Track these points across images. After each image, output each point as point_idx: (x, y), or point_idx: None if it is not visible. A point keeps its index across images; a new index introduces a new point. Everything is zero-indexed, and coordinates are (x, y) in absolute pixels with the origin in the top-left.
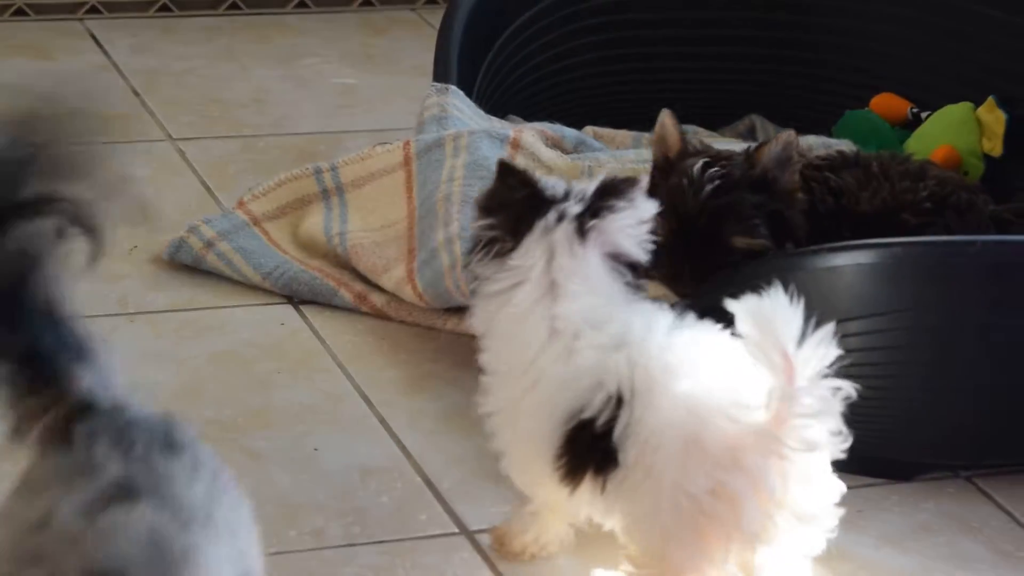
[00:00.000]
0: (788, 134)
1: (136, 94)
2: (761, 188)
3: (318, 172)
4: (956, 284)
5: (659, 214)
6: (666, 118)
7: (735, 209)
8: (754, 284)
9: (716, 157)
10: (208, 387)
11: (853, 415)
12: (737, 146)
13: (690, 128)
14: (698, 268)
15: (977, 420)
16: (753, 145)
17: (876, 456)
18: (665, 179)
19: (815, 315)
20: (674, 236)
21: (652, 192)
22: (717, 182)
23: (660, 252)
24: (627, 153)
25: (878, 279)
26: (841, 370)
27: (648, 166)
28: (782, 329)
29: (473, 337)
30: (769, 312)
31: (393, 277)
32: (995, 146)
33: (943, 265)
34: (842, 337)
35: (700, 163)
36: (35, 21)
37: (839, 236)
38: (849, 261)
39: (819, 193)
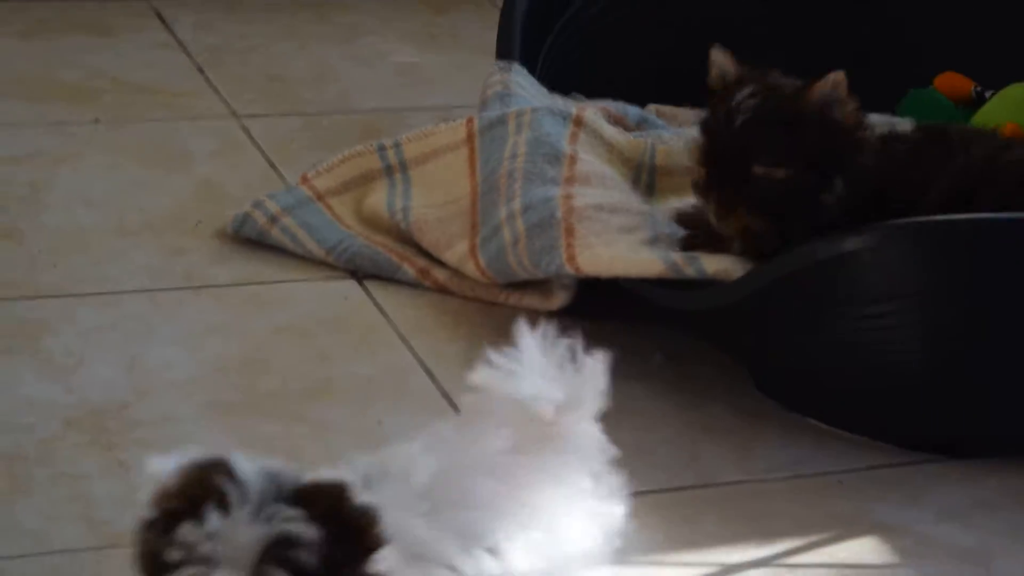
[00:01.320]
0: (838, 74)
1: (200, 71)
2: (809, 124)
3: (381, 148)
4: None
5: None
6: (716, 54)
7: (761, 138)
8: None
9: (765, 88)
10: (272, 360)
11: (914, 389)
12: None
13: None
14: (726, 195)
15: None
16: (805, 83)
17: (937, 432)
18: (711, 103)
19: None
20: (707, 163)
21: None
22: (750, 113)
23: (697, 179)
24: (689, 131)
25: (939, 257)
26: (903, 346)
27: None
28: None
29: (533, 312)
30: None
31: (456, 252)
32: None
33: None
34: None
35: (744, 93)
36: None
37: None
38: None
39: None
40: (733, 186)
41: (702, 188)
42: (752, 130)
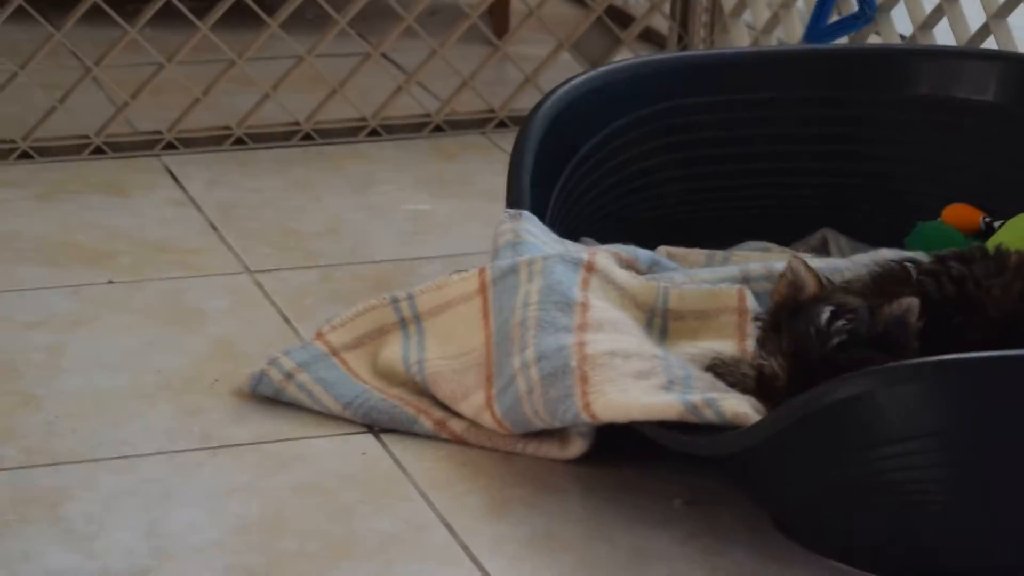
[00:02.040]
0: (911, 301)
1: (214, 228)
2: (882, 345)
3: (395, 301)
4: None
5: (781, 354)
6: (796, 263)
7: (857, 366)
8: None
9: (840, 306)
10: (291, 519)
11: (937, 528)
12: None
13: (762, 244)
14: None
15: None
16: (875, 302)
17: (964, 570)
18: (792, 320)
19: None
20: (792, 380)
21: (773, 329)
22: (844, 336)
23: (775, 391)
24: (701, 272)
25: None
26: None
27: (726, 286)
28: None
29: (553, 461)
30: None
31: (472, 404)
32: None
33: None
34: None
35: (827, 312)
36: (112, 159)
37: (959, 334)
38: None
39: (942, 282)
40: None
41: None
42: (847, 356)
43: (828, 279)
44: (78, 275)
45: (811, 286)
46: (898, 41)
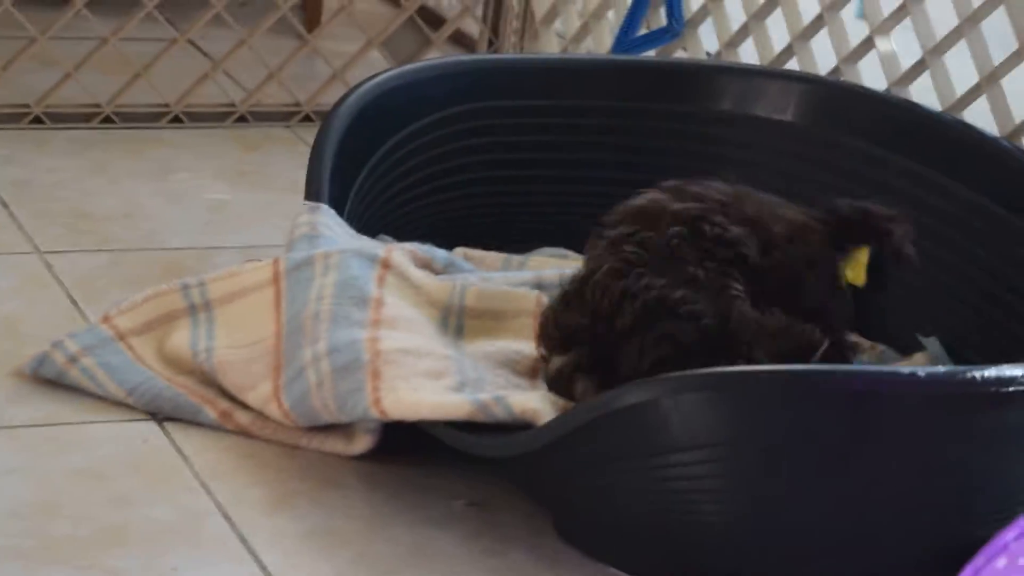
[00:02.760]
0: None
1: (4, 206)
2: None
3: (186, 288)
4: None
5: None
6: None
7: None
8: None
9: None
10: (66, 504)
11: (711, 541)
12: None
13: (560, 251)
14: None
15: (836, 552)
16: None
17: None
18: None
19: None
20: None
21: None
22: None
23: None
24: (495, 276)
25: (732, 407)
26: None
27: (524, 290)
28: None
29: (338, 457)
30: None
31: (259, 394)
32: (858, 275)
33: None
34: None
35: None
36: None
37: None
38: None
39: None
40: None
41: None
42: None
43: None
44: None
45: None
46: (704, 57)
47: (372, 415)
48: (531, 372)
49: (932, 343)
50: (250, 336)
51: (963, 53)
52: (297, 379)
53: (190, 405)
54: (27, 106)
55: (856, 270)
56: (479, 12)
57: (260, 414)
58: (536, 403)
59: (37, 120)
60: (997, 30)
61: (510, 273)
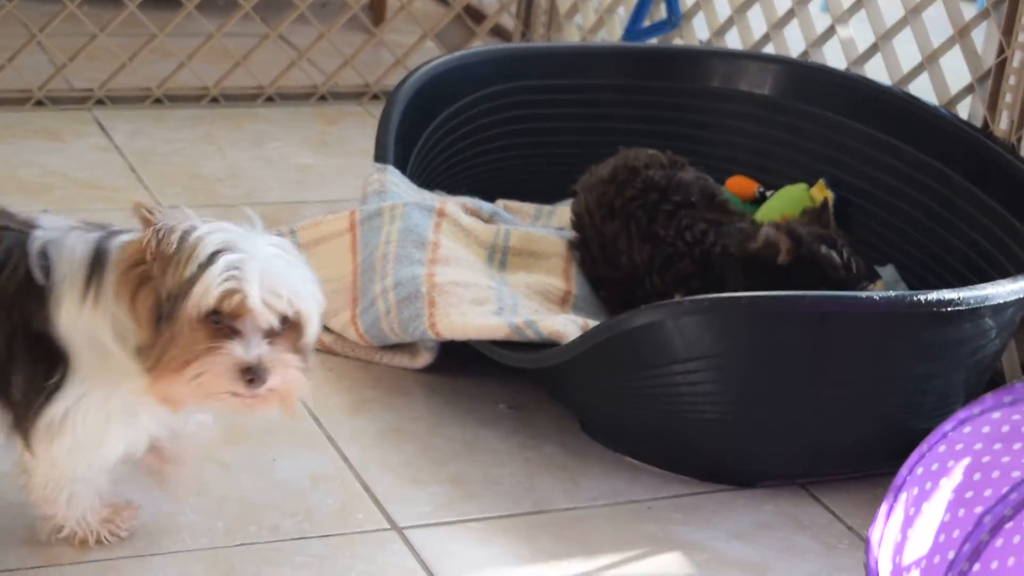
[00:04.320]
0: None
1: (133, 170)
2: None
3: (279, 235)
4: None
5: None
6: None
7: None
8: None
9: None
10: None
11: (708, 433)
12: None
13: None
14: None
15: (809, 440)
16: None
17: (726, 467)
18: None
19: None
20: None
21: None
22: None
23: None
24: (530, 227)
25: (725, 326)
26: (700, 399)
27: (547, 232)
28: None
29: (403, 370)
30: None
31: (340, 320)
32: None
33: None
34: (694, 372)
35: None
36: (50, 110)
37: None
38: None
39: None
40: None
41: None
42: None
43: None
44: (19, 204)
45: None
46: (697, 44)
47: (429, 336)
48: (560, 300)
49: (888, 271)
50: (332, 273)
51: (908, 38)
52: (370, 308)
53: None
54: (149, 89)
55: (820, 191)
56: (514, 9)
57: (341, 336)
58: (561, 326)
59: (157, 101)
60: (936, 20)
61: (539, 229)
